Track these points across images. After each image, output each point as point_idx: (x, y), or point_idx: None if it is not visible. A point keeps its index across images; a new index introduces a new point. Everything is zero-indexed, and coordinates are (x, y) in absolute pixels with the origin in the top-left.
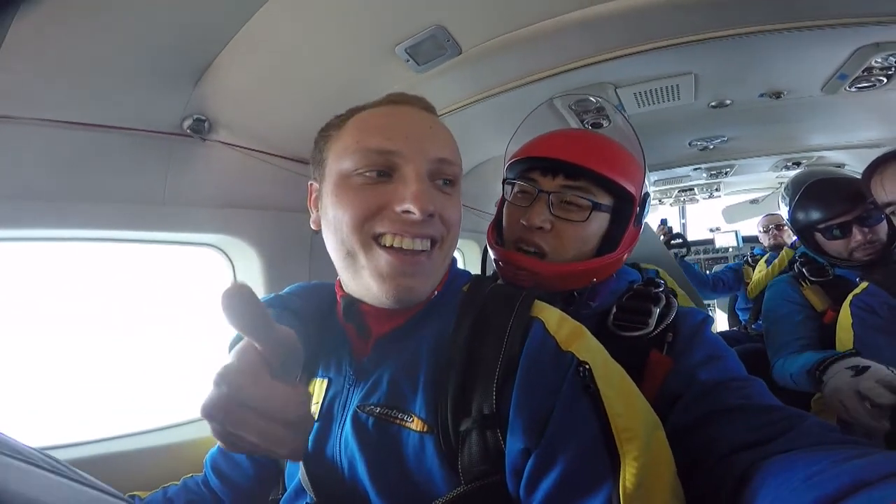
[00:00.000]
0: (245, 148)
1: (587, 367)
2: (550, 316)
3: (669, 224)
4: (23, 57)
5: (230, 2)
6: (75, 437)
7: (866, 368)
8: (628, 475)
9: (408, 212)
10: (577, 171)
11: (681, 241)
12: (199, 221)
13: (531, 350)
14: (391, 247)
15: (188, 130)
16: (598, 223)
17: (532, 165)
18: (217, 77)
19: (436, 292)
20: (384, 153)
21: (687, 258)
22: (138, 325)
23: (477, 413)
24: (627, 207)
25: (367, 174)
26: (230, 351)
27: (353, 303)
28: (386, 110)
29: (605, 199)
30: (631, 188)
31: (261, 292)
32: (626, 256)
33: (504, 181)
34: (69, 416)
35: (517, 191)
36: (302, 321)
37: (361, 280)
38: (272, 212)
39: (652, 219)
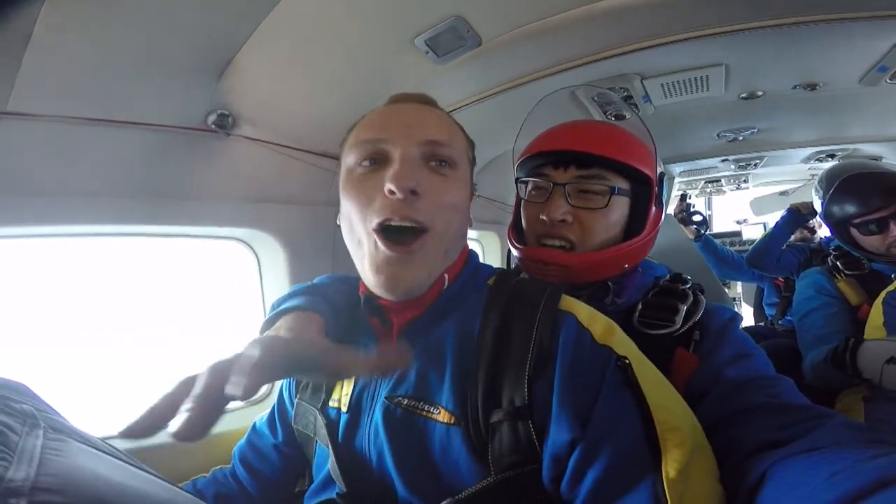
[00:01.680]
0: (268, 142)
1: (627, 360)
2: (581, 310)
3: (689, 200)
4: (47, 55)
5: None
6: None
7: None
8: (670, 464)
9: (391, 191)
10: (589, 159)
11: (701, 218)
12: (224, 216)
13: (568, 342)
14: (384, 232)
15: (212, 126)
16: (620, 208)
17: (543, 161)
18: (239, 72)
19: (445, 282)
20: (374, 142)
21: None
22: (160, 319)
23: (508, 404)
24: (645, 189)
25: (363, 164)
26: (261, 331)
27: (371, 297)
28: (384, 108)
29: (621, 184)
30: (645, 169)
31: (285, 286)
32: (652, 241)
33: (517, 180)
34: (96, 410)
35: (531, 188)
36: (336, 314)
37: (364, 271)
38: (296, 206)
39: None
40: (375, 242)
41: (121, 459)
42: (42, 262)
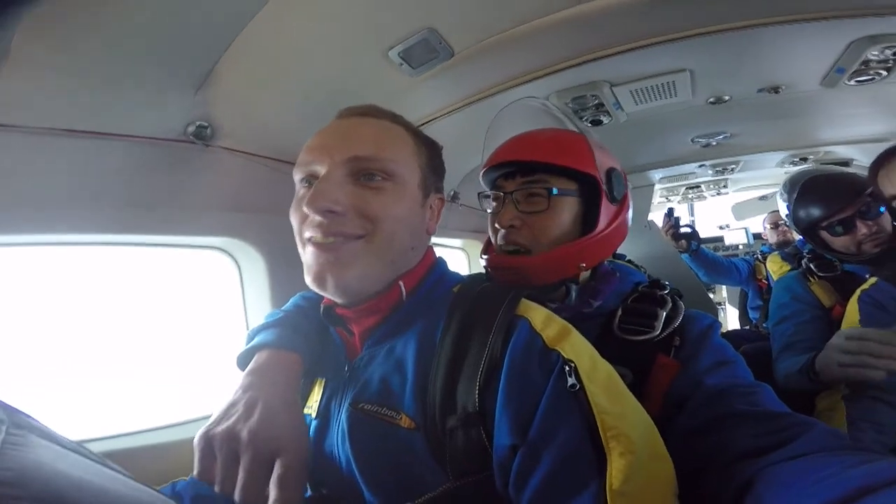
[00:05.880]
0: (246, 153)
1: (572, 364)
2: (537, 315)
3: (677, 215)
4: (26, 66)
5: (228, 8)
6: (87, 433)
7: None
8: (614, 473)
9: (307, 213)
10: (530, 166)
11: (690, 231)
12: (205, 225)
13: (517, 348)
14: (312, 242)
15: (191, 137)
16: (568, 209)
17: (497, 174)
18: (218, 83)
19: (402, 292)
20: (306, 164)
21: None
22: (145, 325)
23: (462, 411)
24: (593, 187)
25: (302, 185)
26: (238, 364)
27: (329, 307)
28: (325, 127)
29: (564, 185)
30: (586, 168)
31: (266, 293)
32: (616, 239)
33: (479, 195)
34: (80, 413)
35: (492, 199)
36: (309, 341)
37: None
38: (275, 215)
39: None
40: (309, 250)
41: (87, 457)
42: (21, 271)
